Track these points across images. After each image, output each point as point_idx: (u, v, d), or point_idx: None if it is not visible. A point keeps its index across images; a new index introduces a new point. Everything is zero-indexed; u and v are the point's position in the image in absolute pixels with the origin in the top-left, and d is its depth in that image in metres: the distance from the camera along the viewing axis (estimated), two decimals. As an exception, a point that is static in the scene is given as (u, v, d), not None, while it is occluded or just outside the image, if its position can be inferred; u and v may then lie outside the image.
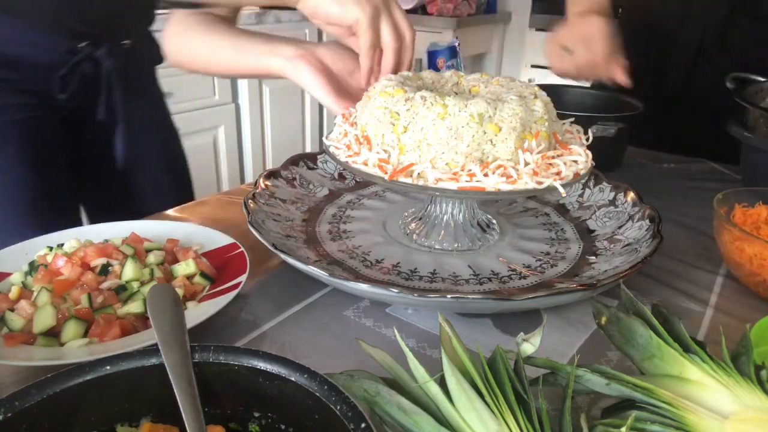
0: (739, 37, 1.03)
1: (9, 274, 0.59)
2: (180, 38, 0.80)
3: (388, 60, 0.67)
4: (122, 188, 1.01)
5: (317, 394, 0.34)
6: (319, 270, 0.57)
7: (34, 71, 0.84)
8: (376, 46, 0.65)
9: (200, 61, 0.81)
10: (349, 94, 0.70)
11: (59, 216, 0.91)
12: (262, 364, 0.36)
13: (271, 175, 0.78)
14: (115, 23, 0.92)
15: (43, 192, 0.88)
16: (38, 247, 0.62)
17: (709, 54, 1.04)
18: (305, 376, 0.35)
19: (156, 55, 1.00)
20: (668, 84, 1.08)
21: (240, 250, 0.62)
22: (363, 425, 0.32)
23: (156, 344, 0.38)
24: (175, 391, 0.35)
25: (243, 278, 0.57)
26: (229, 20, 0.82)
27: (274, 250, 0.59)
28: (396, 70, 0.68)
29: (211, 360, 0.37)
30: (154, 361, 0.37)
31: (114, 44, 0.90)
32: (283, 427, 0.38)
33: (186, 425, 0.34)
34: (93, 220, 1.04)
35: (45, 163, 0.88)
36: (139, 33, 0.97)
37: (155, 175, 1.04)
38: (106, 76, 0.90)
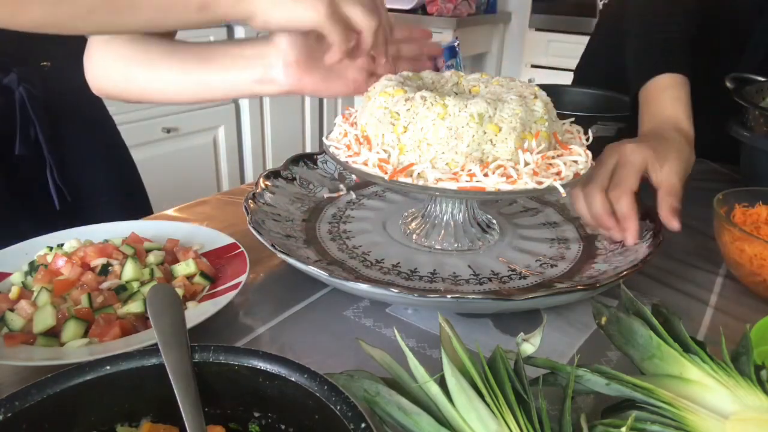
0: None
1: (9, 274, 0.59)
2: (107, 63, 0.66)
3: (366, 41, 0.58)
4: (74, 220, 0.85)
5: (317, 394, 0.34)
6: (319, 270, 0.57)
7: None
8: (348, 40, 0.57)
9: (136, 89, 0.66)
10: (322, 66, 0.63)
11: None
12: (262, 364, 0.36)
13: (271, 175, 0.78)
14: (26, 43, 0.79)
15: None
16: (38, 247, 0.62)
17: None
18: (305, 376, 0.35)
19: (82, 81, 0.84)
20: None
21: (240, 250, 0.62)
22: (363, 425, 0.32)
23: (156, 344, 0.38)
24: (175, 391, 0.35)
25: (243, 278, 0.57)
26: (168, 35, 0.67)
27: (274, 250, 0.59)
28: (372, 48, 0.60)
29: (211, 360, 0.37)
30: (154, 361, 0.37)
31: (28, 68, 0.79)
32: (283, 427, 0.38)
33: (186, 425, 0.34)
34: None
35: None
36: (61, 51, 0.83)
37: (108, 202, 0.94)
38: (20, 106, 0.78)
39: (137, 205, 1.00)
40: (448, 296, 0.53)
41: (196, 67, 0.64)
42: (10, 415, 0.33)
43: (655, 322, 0.41)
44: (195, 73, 0.64)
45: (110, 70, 0.66)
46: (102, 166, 0.93)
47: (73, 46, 0.78)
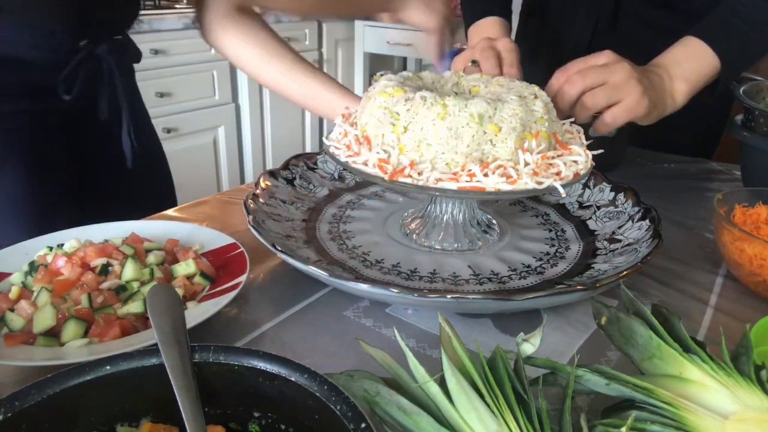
0: (627, 22, 1.07)
1: (9, 274, 0.59)
2: (247, 47, 0.89)
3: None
4: (115, 190, 0.97)
5: (317, 394, 0.34)
6: (319, 270, 0.57)
7: (38, 73, 0.82)
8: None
9: (261, 79, 0.93)
10: None
11: (60, 224, 0.83)
12: (262, 364, 0.36)
13: (271, 175, 0.78)
14: (110, 17, 0.90)
15: (45, 203, 0.85)
16: (38, 247, 0.62)
17: (602, 38, 1.08)
18: (305, 376, 0.35)
19: (135, 53, 0.97)
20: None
21: (240, 250, 0.62)
22: (363, 425, 0.32)
23: (156, 344, 0.38)
24: (175, 391, 0.35)
25: (243, 278, 0.57)
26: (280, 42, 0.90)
27: (274, 250, 0.59)
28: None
29: (211, 360, 0.37)
30: (154, 361, 0.37)
31: (111, 40, 0.88)
32: (283, 427, 0.38)
33: (186, 425, 0.34)
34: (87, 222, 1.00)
35: (47, 173, 0.85)
36: (128, 27, 0.95)
37: (142, 176, 0.99)
38: (107, 73, 0.88)
39: (165, 188, 1.10)
40: (448, 296, 0.53)
41: (300, 97, 0.90)
42: (10, 415, 0.33)
43: (655, 322, 0.41)
44: (297, 97, 0.90)
45: (249, 53, 0.89)
46: (141, 140, 0.99)
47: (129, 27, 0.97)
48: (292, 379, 0.35)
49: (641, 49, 0.82)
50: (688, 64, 0.81)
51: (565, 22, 1.14)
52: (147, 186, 1.02)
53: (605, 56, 0.77)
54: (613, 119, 0.76)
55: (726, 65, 0.80)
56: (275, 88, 0.91)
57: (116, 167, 0.94)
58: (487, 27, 1.05)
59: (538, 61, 1.12)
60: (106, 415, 0.37)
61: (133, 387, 0.37)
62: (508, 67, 0.84)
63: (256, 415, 0.38)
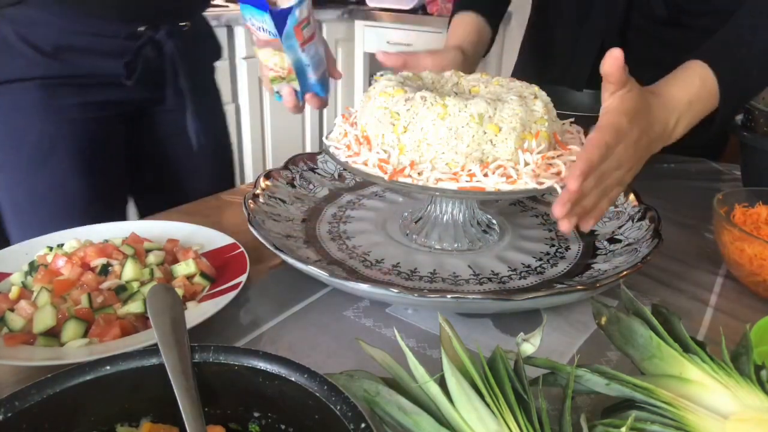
0: (636, 37, 1.06)
1: (9, 274, 0.59)
2: None
3: None
4: (170, 177, 1.02)
5: (317, 394, 0.34)
6: (319, 270, 0.57)
7: (98, 61, 0.85)
8: None
9: None
10: None
11: (110, 215, 0.87)
12: (262, 364, 0.36)
13: (271, 175, 0.78)
14: (171, 3, 0.92)
15: (95, 195, 0.89)
16: (38, 247, 0.62)
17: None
18: (305, 376, 0.35)
19: (215, 50, 1.00)
20: (569, 83, 1.09)
21: (240, 250, 0.62)
22: (363, 425, 0.32)
23: (156, 344, 0.38)
24: (175, 391, 0.35)
25: (243, 278, 0.57)
26: None
27: (274, 250, 0.59)
28: None
29: (211, 360, 0.37)
30: (154, 361, 0.37)
31: (173, 26, 0.90)
32: (283, 427, 0.38)
33: (186, 425, 0.34)
34: (140, 209, 1.04)
35: (100, 166, 0.89)
36: (196, 15, 0.98)
37: (201, 164, 1.05)
38: (169, 59, 0.90)
39: (225, 174, 1.12)
40: (448, 296, 0.53)
41: None
42: (10, 415, 0.33)
43: (655, 322, 0.41)
44: None
45: None
46: (208, 132, 1.02)
47: (207, 21, 0.98)
48: (292, 379, 0.35)
49: (649, 66, 0.77)
50: (698, 106, 0.71)
51: (572, 36, 1.12)
52: (209, 167, 1.07)
53: (614, 135, 0.61)
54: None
55: (725, 112, 0.71)
56: None
57: (181, 151, 0.99)
58: (458, 25, 0.96)
59: (544, 76, 1.10)
60: (106, 415, 0.37)
61: (133, 387, 0.37)
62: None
63: (256, 415, 0.38)
